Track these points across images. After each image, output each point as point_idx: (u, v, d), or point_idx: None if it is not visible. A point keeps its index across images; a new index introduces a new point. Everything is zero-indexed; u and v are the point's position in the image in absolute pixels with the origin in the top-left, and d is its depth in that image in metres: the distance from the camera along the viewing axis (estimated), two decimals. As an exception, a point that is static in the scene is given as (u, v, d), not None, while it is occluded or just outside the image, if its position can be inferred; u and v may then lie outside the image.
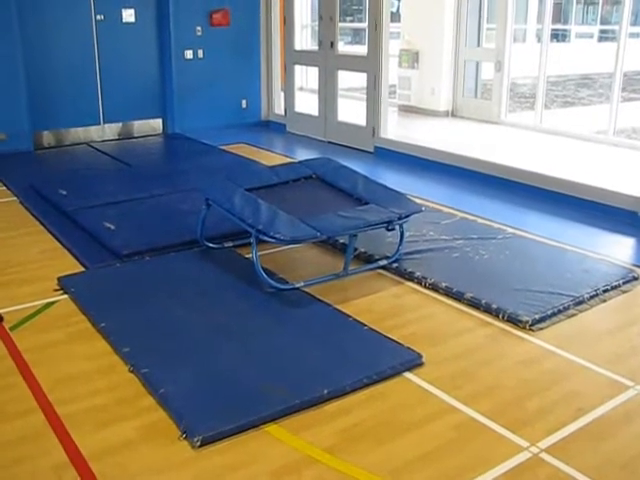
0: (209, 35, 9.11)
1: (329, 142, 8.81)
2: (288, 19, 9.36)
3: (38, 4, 7.99)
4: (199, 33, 9.04)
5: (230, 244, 4.93)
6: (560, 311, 3.96)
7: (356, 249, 4.65)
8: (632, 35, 8.28)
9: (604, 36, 19.56)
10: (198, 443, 2.76)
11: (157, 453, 2.74)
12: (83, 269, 4.60)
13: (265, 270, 4.25)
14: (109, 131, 8.89)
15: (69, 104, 8.44)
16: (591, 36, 20.06)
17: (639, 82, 14.36)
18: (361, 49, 9.48)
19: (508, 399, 3.15)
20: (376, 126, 8.12)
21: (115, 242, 4.87)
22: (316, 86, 9.14)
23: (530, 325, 3.79)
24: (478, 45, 9.83)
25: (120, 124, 8.97)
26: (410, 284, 4.41)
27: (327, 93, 8.80)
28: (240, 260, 4.71)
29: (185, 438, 2.80)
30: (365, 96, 8.28)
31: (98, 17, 8.43)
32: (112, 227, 5.14)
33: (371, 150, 8.20)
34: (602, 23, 20.29)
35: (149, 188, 6.29)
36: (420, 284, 4.37)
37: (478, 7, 9.72)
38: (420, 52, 10.03)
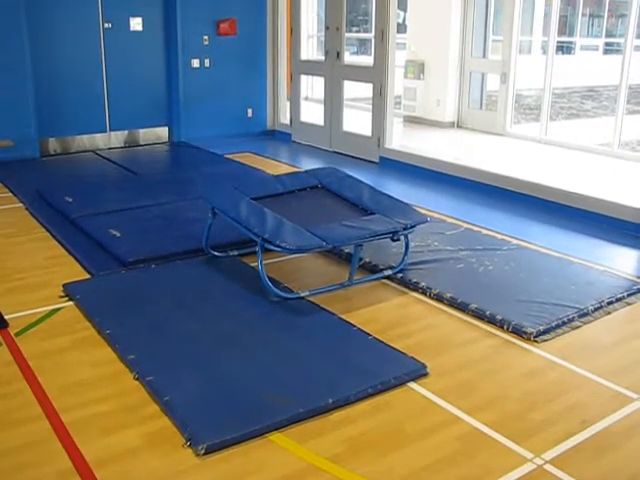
0: (216, 44, 9.15)
1: (334, 152, 8.83)
2: (294, 29, 9.41)
3: (46, 12, 8.03)
4: (206, 42, 9.08)
5: (235, 253, 4.94)
6: (565, 323, 3.96)
7: (361, 259, 4.66)
8: (637, 48, 8.27)
9: (609, 49, 19.58)
10: (202, 451, 2.76)
11: (161, 461, 2.74)
12: (89, 276, 4.61)
13: (270, 279, 4.26)
14: (115, 139, 8.93)
15: (75, 112, 8.48)
16: (596, 48, 20.08)
17: (644, 95, 14.35)
18: (367, 59, 9.51)
19: (512, 410, 3.15)
20: (381, 136, 8.14)
21: (120, 249, 4.88)
22: (322, 96, 9.17)
23: (535, 336, 3.79)
24: (484, 56, 9.86)
25: (126, 132, 9.01)
26: (415, 294, 4.41)
27: (333, 103, 8.83)
28: (245, 269, 4.72)
29: (189, 446, 2.80)
30: (370, 106, 8.30)
31: (106, 25, 8.48)
32: (118, 234, 5.16)
33: (376, 160, 8.21)
34: (607, 36, 20.31)
35: (155, 196, 6.31)
36: (425, 294, 4.38)
37: (484, 19, 9.75)
38: (426, 63, 10.06)
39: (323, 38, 9.18)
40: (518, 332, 3.85)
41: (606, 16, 20.64)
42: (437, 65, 9.92)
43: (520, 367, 3.54)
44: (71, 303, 4.19)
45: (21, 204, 6.30)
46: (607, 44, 19.87)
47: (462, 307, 4.16)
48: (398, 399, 3.22)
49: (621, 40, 9.61)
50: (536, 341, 3.78)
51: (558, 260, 4.94)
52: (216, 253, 4.89)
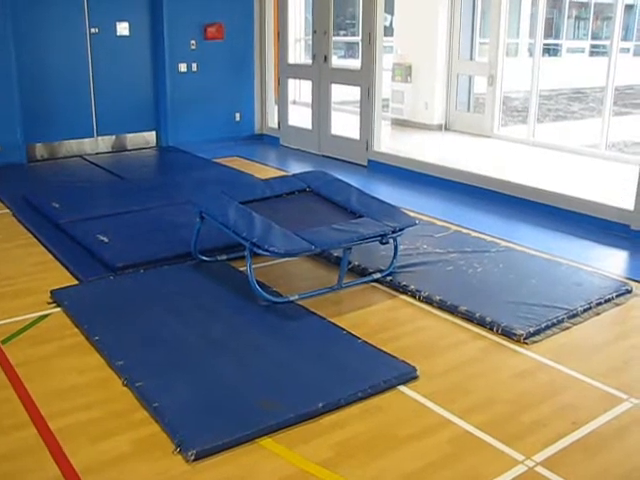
0: (203, 49, 9.13)
1: (323, 155, 8.82)
2: (282, 33, 9.40)
3: (32, 17, 8.00)
4: (193, 47, 9.06)
5: (224, 257, 4.93)
6: (554, 324, 3.97)
7: (350, 262, 4.65)
8: (623, 50, 8.33)
9: (595, 51, 19.71)
10: (192, 457, 2.74)
11: (151, 467, 2.72)
12: (76, 282, 4.59)
13: (259, 283, 4.25)
14: (102, 144, 8.89)
15: (63, 117, 8.44)
16: (582, 51, 20.21)
17: (630, 96, 14.45)
18: (354, 63, 9.52)
19: (503, 412, 3.15)
20: (369, 140, 8.14)
21: (109, 255, 4.86)
22: (310, 100, 9.17)
23: (524, 338, 3.79)
24: (471, 59, 9.89)
25: (114, 137, 8.97)
26: (404, 297, 4.41)
27: (321, 107, 8.83)
28: (234, 273, 4.70)
29: (179, 452, 2.78)
30: (358, 110, 8.30)
31: (92, 30, 8.45)
32: (105, 240, 5.13)
33: (364, 164, 8.21)
34: (593, 38, 20.44)
35: (143, 201, 6.28)
36: (414, 297, 4.37)
37: (471, 21, 9.78)
38: (413, 66, 10.08)
39: (311, 42, 9.18)
40: (508, 334, 3.85)
41: (592, 19, 20.77)
42: (425, 68, 9.93)
43: (510, 369, 3.54)
44: (59, 309, 4.16)
45: (8, 210, 6.26)
46: (593, 46, 20.00)
47: (451, 309, 4.16)
48: (388, 403, 3.21)
49: (607, 42, 9.67)
50: (526, 343, 3.78)
51: (547, 261, 4.95)
52: (205, 258, 4.87)
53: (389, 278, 4.60)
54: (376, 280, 4.62)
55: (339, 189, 5.12)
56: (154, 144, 9.30)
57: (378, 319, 4.11)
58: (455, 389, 3.34)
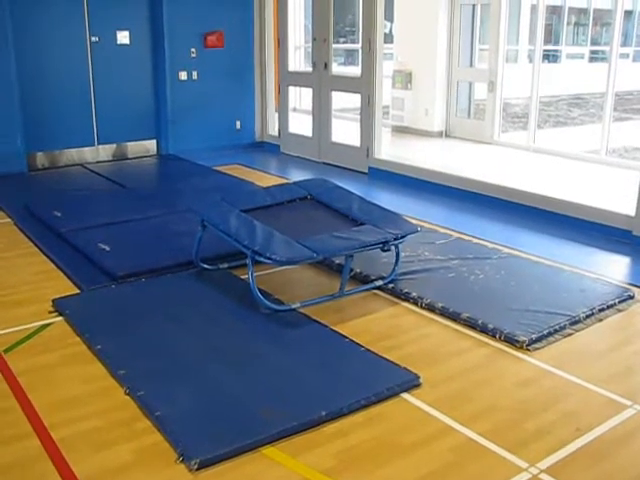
0: (203, 57, 9.15)
1: (323, 163, 8.83)
2: (282, 40, 9.42)
3: (33, 25, 8.02)
4: (193, 55, 9.08)
5: (225, 265, 4.92)
6: (557, 331, 3.96)
7: (352, 270, 4.64)
8: (622, 56, 8.33)
9: (595, 56, 19.73)
10: (195, 466, 2.73)
11: (154, 477, 2.71)
12: (78, 291, 4.58)
13: (261, 291, 4.24)
14: (103, 152, 8.90)
15: (63, 125, 8.45)
16: (582, 57, 20.22)
17: (630, 102, 14.48)
18: (355, 70, 9.54)
19: (506, 420, 3.14)
20: (370, 147, 8.15)
21: (110, 263, 4.85)
22: (310, 107, 9.18)
23: (527, 345, 3.79)
24: (471, 66, 9.90)
25: (114, 145, 8.98)
26: (406, 304, 4.40)
27: (321, 114, 8.84)
28: (236, 281, 4.70)
29: (182, 461, 2.77)
30: (359, 117, 8.31)
31: (93, 39, 8.47)
32: (107, 248, 5.13)
33: (365, 171, 8.22)
34: (592, 44, 20.46)
35: (144, 209, 6.28)
36: (416, 304, 4.36)
37: (471, 28, 9.80)
38: (413, 73, 10.09)
39: (310, 49, 9.20)
40: (510, 341, 3.84)
41: (591, 25, 20.81)
42: (425, 75, 9.95)
43: (513, 376, 3.53)
44: (61, 318, 4.15)
45: (9, 219, 6.26)
46: (592, 52, 20.03)
47: (454, 316, 4.15)
48: (391, 410, 3.20)
49: (606, 48, 9.68)
50: (528, 349, 3.77)
51: (549, 268, 4.94)
52: (206, 266, 4.86)
53: (391, 285, 4.59)
54: (378, 287, 4.61)
55: (340, 196, 5.12)
56: (155, 152, 9.31)
57: (380, 326, 4.10)
58: (458, 396, 3.33)
